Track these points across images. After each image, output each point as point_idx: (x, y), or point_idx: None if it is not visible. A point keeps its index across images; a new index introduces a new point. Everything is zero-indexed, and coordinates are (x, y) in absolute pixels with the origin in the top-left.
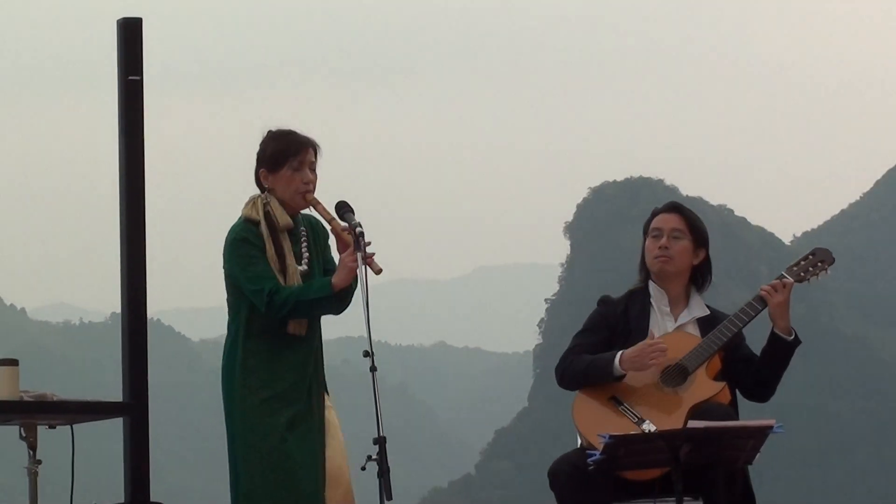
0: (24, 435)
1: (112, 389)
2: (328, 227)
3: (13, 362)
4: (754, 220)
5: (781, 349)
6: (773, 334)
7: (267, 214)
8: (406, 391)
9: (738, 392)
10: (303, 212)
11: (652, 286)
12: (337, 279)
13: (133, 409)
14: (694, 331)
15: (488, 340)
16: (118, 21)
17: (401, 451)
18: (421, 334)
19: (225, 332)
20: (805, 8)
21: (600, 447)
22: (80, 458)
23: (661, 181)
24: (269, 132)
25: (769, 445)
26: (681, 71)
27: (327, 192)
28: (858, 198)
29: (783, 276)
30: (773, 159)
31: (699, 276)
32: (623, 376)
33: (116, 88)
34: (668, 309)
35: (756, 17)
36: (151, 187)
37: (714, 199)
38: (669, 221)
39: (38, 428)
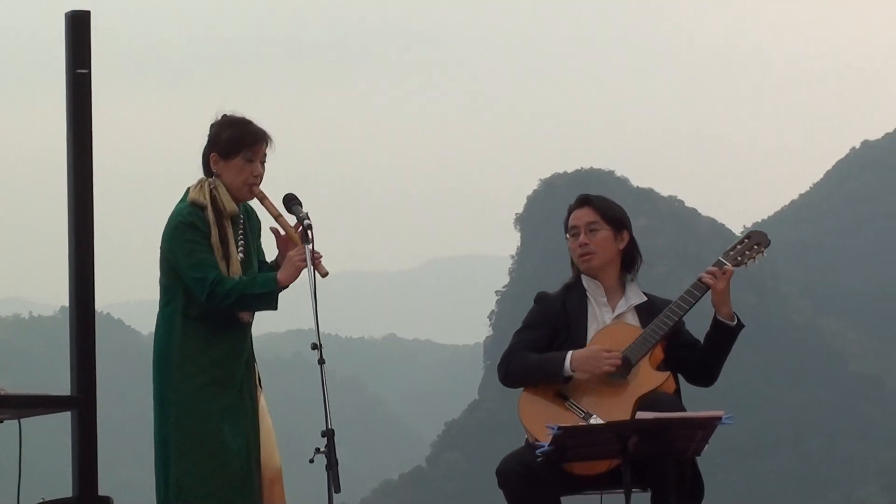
0: None
1: (63, 383)
2: (276, 224)
3: None
4: (704, 210)
5: (726, 335)
6: (716, 321)
7: (214, 199)
8: (356, 383)
9: (682, 379)
10: None
11: (585, 279)
12: (283, 276)
13: (81, 402)
14: (633, 319)
15: (439, 332)
16: (66, 14)
17: (351, 444)
18: (371, 327)
19: None
20: None
21: (548, 440)
22: (28, 452)
23: (611, 172)
24: (224, 116)
25: (720, 435)
26: (630, 62)
27: (275, 183)
28: (808, 188)
29: (721, 262)
30: (723, 151)
31: (628, 259)
32: (571, 377)
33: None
34: (605, 299)
35: (699, 6)
36: (100, 180)
37: (664, 191)
38: (583, 216)
39: None
